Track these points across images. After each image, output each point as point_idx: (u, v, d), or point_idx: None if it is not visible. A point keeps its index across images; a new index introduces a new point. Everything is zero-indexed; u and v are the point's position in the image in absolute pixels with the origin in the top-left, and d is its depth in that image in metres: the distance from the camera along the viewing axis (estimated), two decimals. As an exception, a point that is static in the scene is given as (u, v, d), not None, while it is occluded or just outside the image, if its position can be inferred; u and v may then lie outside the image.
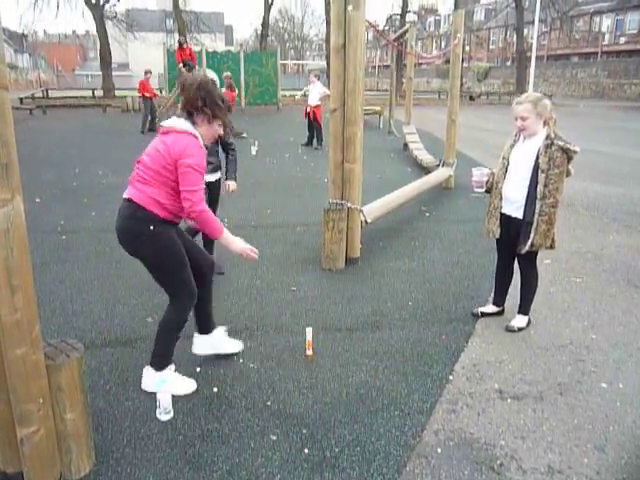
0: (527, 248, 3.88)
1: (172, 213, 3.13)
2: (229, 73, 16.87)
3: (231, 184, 5.10)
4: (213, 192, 5.05)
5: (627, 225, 7.07)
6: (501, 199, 4.02)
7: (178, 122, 3.13)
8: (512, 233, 3.99)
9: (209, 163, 4.62)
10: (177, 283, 3.23)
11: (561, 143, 3.68)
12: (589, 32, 48.29)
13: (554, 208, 3.79)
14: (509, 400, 3.30)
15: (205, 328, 3.63)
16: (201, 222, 3.06)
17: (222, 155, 5.06)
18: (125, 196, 3.14)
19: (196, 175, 3.02)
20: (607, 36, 46.68)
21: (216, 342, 3.68)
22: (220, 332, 3.70)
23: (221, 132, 3.33)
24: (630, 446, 2.89)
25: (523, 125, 3.80)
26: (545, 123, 3.78)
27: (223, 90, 15.36)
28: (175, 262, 3.17)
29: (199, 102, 3.10)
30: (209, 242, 5.05)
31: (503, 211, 4.03)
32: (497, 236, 4.09)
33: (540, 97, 3.80)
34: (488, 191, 4.14)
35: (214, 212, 4.92)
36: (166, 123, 3.18)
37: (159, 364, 3.31)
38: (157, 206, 3.06)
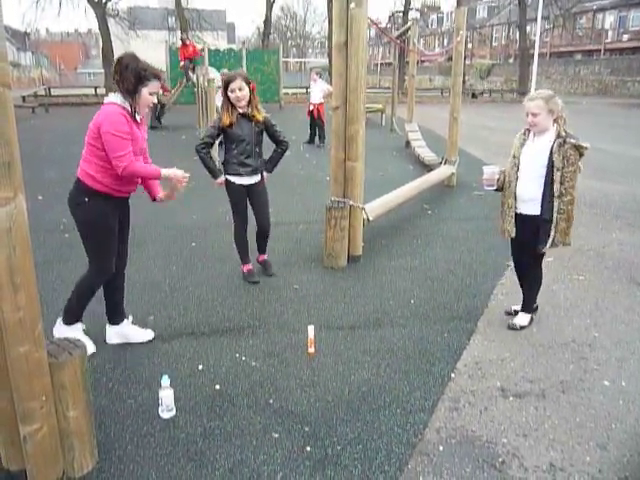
0: (548, 246, 3.89)
1: (107, 186, 3.43)
2: (225, 70, 16.93)
3: (265, 177, 4.97)
4: (254, 196, 4.90)
5: (629, 223, 7.06)
6: (515, 198, 4.02)
7: (109, 97, 3.39)
8: (527, 232, 3.98)
9: (246, 165, 4.70)
10: (95, 255, 3.60)
11: (573, 141, 3.71)
12: (592, 29, 48.09)
13: (572, 205, 3.80)
14: (511, 398, 3.30)
15: (114, 319, 3.88)
16: (137, 176, 3.43)
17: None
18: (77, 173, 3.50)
19: (117, 140, 3.25)
20: (610, 33, 46.49)
21: (124, 331, 3.90)
22: (127, 322, 3.95)
23: (154, 100, 3.49)
24: (632, 444, 2.89)
25: (534, 121, 3.81)
26: (555, 121, 3.78)
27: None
28: (99, 236, 3.53)
29: (117, 76, 3.33)
30: (262, 243, 5.18)
31: (518, 210, 4.03)
32: (513, 235, 4.09)
33: (552, 94, 3.82)
34: (499, 189, 4.14)
35: (263, 220, 4.99)
36: (104, 100, 3.44)
37: (67, 319, 3.73)
38: (91, 179, 3.39)
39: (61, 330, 3.71)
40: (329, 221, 5.27)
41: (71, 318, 3.74)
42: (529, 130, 3.95)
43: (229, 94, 4.53)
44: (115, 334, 3.89)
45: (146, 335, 3.95)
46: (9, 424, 2.41)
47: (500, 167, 4.15)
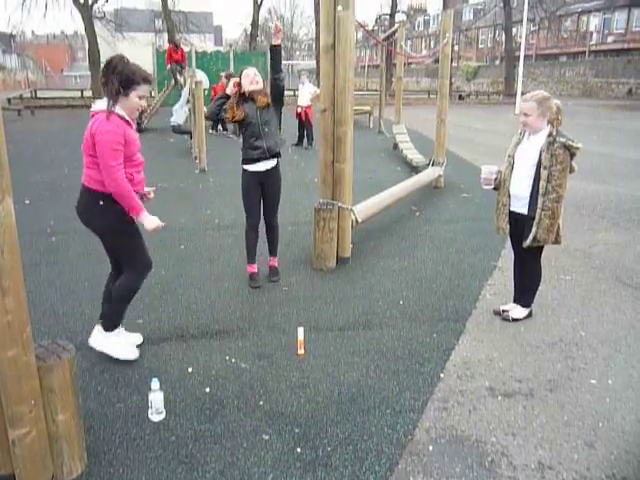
0: (529, 242, 3.94)
1: None
2: (224, 72, 17.18)
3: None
4: (266, 188, 4.88)
5: (615, 223, 7.13)
6: (509, 196, 4.07)
7: (99, 103, 3.34)
8: (521, 230, 4.04)
9: (256, 147, 4.71)
10: (130, 256, 3.53)
11: (563, 140, 3.76)
12: (577, 31, 48.51)
13: (557, 203, 3.85)
14: (500, 397, 3.33)
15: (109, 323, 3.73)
16: (118, 198, 3.27)
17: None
18: (82, 180, 3.43)
19: (108, 151, 3.19)
20: (595, 35, 46.91)
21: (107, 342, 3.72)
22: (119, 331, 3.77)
23: (143, 104, 3.44)
24: (619, 442, 2.92)
25: (525, 121, 3.89)
26: (550, 122, 3.84)
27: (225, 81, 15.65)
28: (125, 237, 3.51)
29: (104, 78, 3.28)
30: (271, 242, 5.16)
31: (511, 209, 4.09)
32: (507, 233, 4.14)
33: (547, 97, 3.87)
34: (496, 188, 4.18)
35: (271, 215, 4.99)
36: (92, 107, 3.38)
37: (107, 325, 3.63)
38: (99, 184, 3.29)
39: (107, 338, 3.64)
40: (318, 223, 5.28)
41: (117, 322, 3.66)
42: (526, 130, 4.02)
43: (243, 79, 4.64)
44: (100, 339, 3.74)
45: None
46: (-3, 428, 2.39)
47: (498, 166, 4.19)
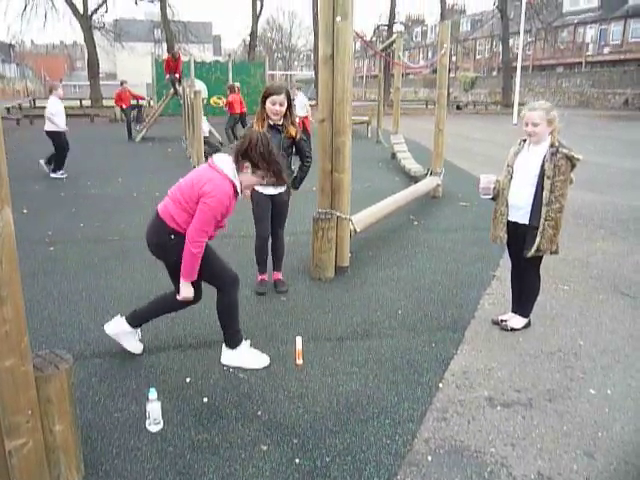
0: (533, 252, 3.95)
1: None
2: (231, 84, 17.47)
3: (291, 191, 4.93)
4: (276, 207, 4.89)
5: (613, 232, 7.14)
6: (507, 206, 4.08)
7: (223, 161, 3.30)
8: (520, 239, 4.04)
9: None
10: (215, 277, 3.58)
11: (566, 151, 3.80)
12: (573, 42, 48.79)
13: (560, 213, 3.88)
14: (499, 407, 3.32)
15: (136, 321, 3.81)
16: (187, 259, 3.29)
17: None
18: (157, 208, 3.45)
19: (209, 218, 3.22)
20: (591, 46, 47.17)
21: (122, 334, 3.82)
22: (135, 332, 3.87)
23: (264, 182, 3.45)
24: (619, 452, 2.91)
25: (534, 131, 3.89)
26: (551, 132, 3.86)
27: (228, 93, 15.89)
28: (202, 260, 3.37)
29: (257, 157, 3.25)
30: (276, 258, 5.16)
31: (510, 218, 4.09)
32: (504, 242, 4.15)
33: (552, 106, 3.93)
34: (494, 198, 4.19)
35: (278, 227, 4.98)
36: (215, 158, 3.35)
37: (231, 343, 3.73)
38: (175, 224, 3.32)
39: (240, 355, 3.75)
40: (316, 232, 5.28)
41: (238, 340, 3.75)
42: (525, 140, 4.03)
43: (268, 104, 4.52)
44: (118, 327, 3.81)
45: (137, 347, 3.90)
46: (-6, 439, 2.38)
47: (496, 176, 4.20)
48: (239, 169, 3.31)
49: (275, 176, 3.35)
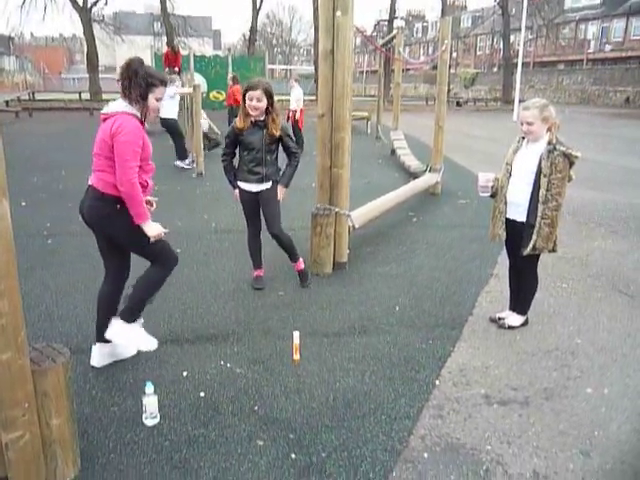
0: (529, 250, 3.94)
1: None
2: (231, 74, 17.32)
3: (280, 190, 4.78)
4: (263, 203, 4.79)
5: (613, 231, 7.14)
6: (506, 204, 4.08)
7: (113, 105, 3.30)
8: (517, 237, 4.04)
9: (255, 173, 4.66)
10: (154, 252, 3.46)
11: (563, 148, 3.77)
12: (575, 39, 48.71)
13: (556, 211, 3.86)
14: (495, 405, 3.32)
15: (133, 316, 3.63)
16: (129, 201, 3.20)
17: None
18: (89, 183, 3.36)
19: (129, 152, 3.16)
20: (593, 43, 47.10)
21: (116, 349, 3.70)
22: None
23: (159, 106, 3.43)
24: (615, 451, 2.92)
25: (529, 130, 3.88)
26: (548, 129, 3.84)
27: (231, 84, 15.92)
28: (145, 235, 3.31)
29: (126, 82, 3.25)
30: (285, 251, 5.09)
31: (508, 216, 4.09)
32: (503, 240, 4.15)
33: (546, 103, 3.89)
34: (493, 195, 4.18)
35: (271, 228, 4.86)
36: (104, 109, 3.34)
37: (132, 317, 3.54)
38: (114, 188, 3.22)
39: (123, 329, 3.52)
40: (315, 228, 5.28)
41: (136, 315, 3.58)
42: (523, 138, 4.02)
43: (246, 100, 4.47)
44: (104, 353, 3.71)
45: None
46: (-10, 432, 2.38)
47: (495, 174, 4.19)
48: (134, 104, 3.27)
49: (161, 82, 3.32)
